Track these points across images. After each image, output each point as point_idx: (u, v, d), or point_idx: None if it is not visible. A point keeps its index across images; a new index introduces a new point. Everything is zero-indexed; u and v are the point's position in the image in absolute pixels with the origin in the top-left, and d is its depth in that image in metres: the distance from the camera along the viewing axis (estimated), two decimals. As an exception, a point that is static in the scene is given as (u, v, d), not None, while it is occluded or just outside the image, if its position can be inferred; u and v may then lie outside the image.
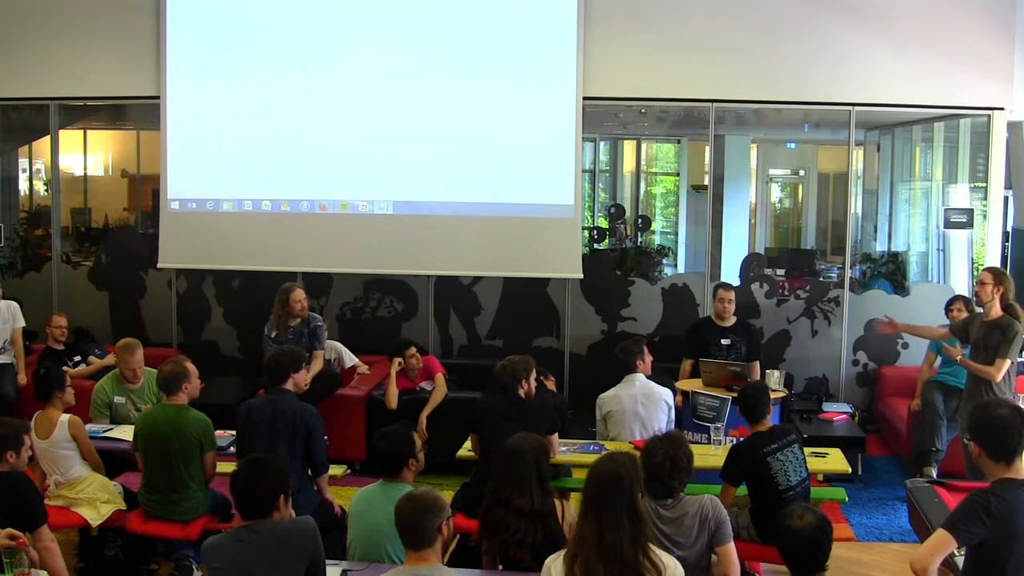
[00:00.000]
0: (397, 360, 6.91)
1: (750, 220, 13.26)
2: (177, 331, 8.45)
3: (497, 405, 5.06)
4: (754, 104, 8.10)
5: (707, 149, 8.43)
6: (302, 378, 5.08)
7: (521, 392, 5.08)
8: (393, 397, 6.77)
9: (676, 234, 13.61)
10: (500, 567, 3.85)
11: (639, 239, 12.76)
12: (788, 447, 4.63)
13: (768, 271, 9.59)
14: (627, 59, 7.70)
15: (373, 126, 7.80)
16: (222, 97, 7.95)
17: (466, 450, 5.35)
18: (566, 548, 3.25)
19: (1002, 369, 5.52)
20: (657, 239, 13.58)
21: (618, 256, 10.67)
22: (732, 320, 7.03)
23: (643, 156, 14.63)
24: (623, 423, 5.71)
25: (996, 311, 5.65)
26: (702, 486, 4.48)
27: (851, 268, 8.56)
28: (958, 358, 5.88)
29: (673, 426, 5.80)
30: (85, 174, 12.99)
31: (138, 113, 10.25)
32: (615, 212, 12.76)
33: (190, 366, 5.01)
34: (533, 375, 5.18)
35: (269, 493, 3.44)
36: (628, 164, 14.52)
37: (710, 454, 5.22)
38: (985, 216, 7.82)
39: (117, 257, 8.68)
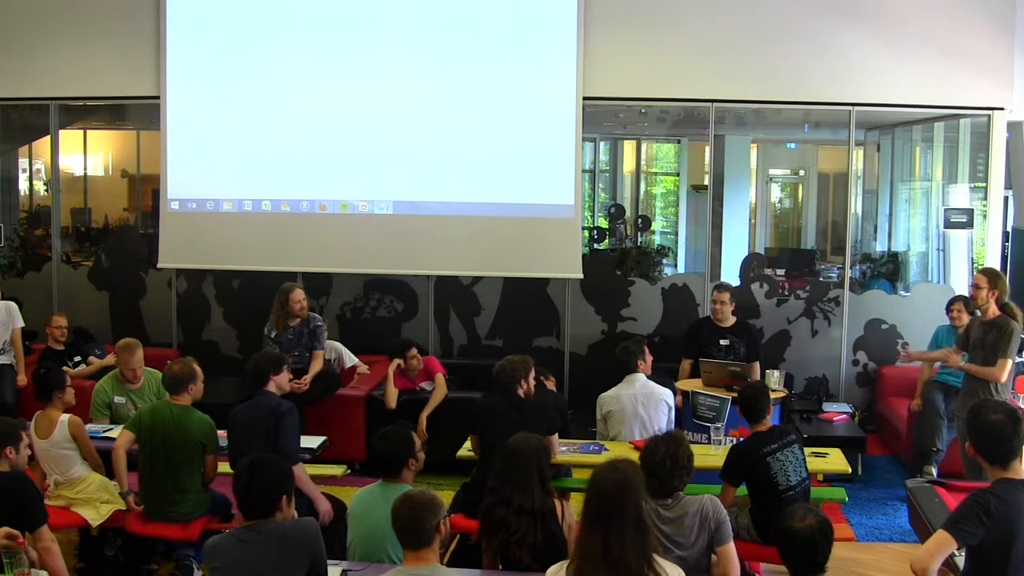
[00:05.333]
0: (397, 360, 6.91)
1: (750, 220, 13.26)
2: (177, 331, 8.45)
3: (497, 405, 5.06)
4: (754, 104, 8.10)
5: (707, 149, 8.42)
6: (283, 379, 5.03)
7: (520, 392, 5.07)
8: (392, 397, 6.77)
9: (676, 234, 13.60)
10: (500, 567, 3.85)
11: (639, 239, 12.75)
12: (788, 447, 4.63)
13: (768, 271, 9.59)
14: (627, 59, 7.70)
15: (373, 126, 7.80)
16: (222, 97, 7.96)
17: (466, 450, 5.35)
18: (569, 560, 3.20)
19: (1005, 369, 5.51)
20: (657, 239, 13.57)
21: (618, 256, 10.67)
22: (731, 320, 7.02)
23: (643, 156, 14.63)
24: (623, 423, 5.71)
25: (993, 311, 5.67)
26: (702, 486, 4.48)
27: (851, 268, 8.57)
28: (960, 364, 5.86)
29: (673, 426, 5.80)
30: (85, 174, 12.99)
31: (138, 113, 10.25)
32: (615, 212, 12.76)
33: (198, 368, 5.00)
34: (532, 374, 5.17)
35: (271, 493, 3.44)
36: (628, 164, 14.51)
37: (710, 454, 5.22)
38: (985, 216, 7.82)
39: (117, 257, 8.68)
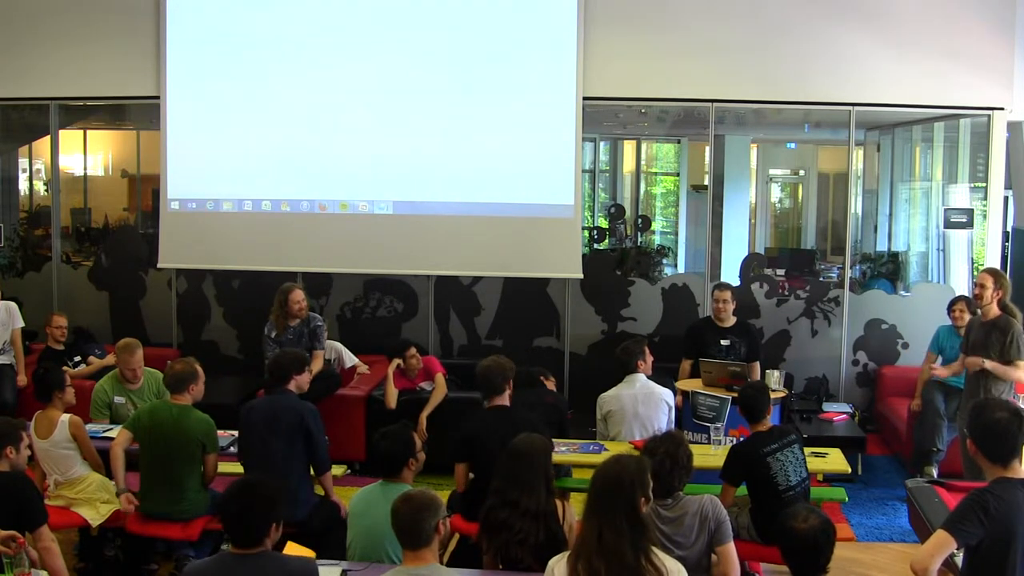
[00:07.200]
0: (396, 360, 6.91)
1: (750, 220, 13.26)
2: (177, 331, 8.45)
3: (489, 422, 4.80)
4: (754, 104, 8.10)
5: (707, 149, 8.43)
6: (304, 380, 5.09)
7: (507, 398, 4.92)
8: (392, 397, 6.77)
9: (676, 234, 13.60)
10: (500, 567, 3.84)
11: (639, 239, 12.76)
12: (788, 447, 4.63)
13: (768, 271, 9.59)
14: (627, 59, 7.70)
15: (373, 126, 7.80)
16: (222, 97, 7.95)
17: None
18: (570, 549, 3.26)
19: (1022, 370, 5.52)
20: (657, 239, 13.57)
21: (618, 256, 10.67)
22: (732, 320, 7.03)
23: (643, 156, 14.64)
24: (623, 423, 5.70)
25: (994, 312, 5.68)
26: (702, 486, 4.48)
27: (851, 268, 8.57)
28: (984, 363, 5.58)
29: (673, 426, 5.79)
30: (85, 174, 13.00)
31: (138, 113, 10.26)
32: (615, 212, 12.77)
33: (199, 369, 5.01)
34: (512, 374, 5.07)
35: (263, 521, 3.26)
36: (628, 164, 14.52)
37: (710, 454, 5.22)
38: (985, 216, 7.83)
39: (117, 257, 8.68)
